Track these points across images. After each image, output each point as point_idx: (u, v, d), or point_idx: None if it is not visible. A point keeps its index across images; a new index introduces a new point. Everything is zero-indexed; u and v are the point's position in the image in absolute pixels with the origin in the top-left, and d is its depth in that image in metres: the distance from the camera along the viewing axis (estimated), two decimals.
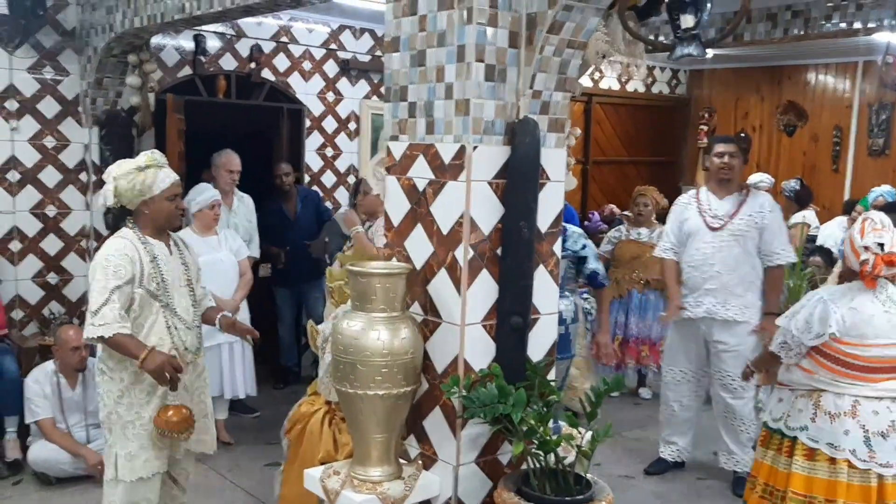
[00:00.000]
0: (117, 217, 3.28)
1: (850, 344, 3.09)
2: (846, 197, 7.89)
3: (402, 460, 2.79)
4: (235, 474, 4.74)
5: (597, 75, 8.36)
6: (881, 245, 3.05)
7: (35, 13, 5.18)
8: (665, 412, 4.88)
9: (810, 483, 3.16)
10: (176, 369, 3.06)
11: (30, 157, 5.46)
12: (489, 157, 2.60)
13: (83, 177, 5.67)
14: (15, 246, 5.45)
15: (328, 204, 6.72)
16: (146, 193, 3.16)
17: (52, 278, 5.61)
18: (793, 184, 7.22)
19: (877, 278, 3.07)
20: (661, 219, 6.25)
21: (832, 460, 3.12)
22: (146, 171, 3.16)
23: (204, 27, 5.89)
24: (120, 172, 3.16)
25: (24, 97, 5.40)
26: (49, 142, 5.53)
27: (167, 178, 3.21)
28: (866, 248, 3.07)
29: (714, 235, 4.51)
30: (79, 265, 5.65)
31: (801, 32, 5.07)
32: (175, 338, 3.21)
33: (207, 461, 4.93)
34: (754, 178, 7.02)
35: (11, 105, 5.35)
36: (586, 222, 8.09)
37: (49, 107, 5.49)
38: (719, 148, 4.66)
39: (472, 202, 2.57)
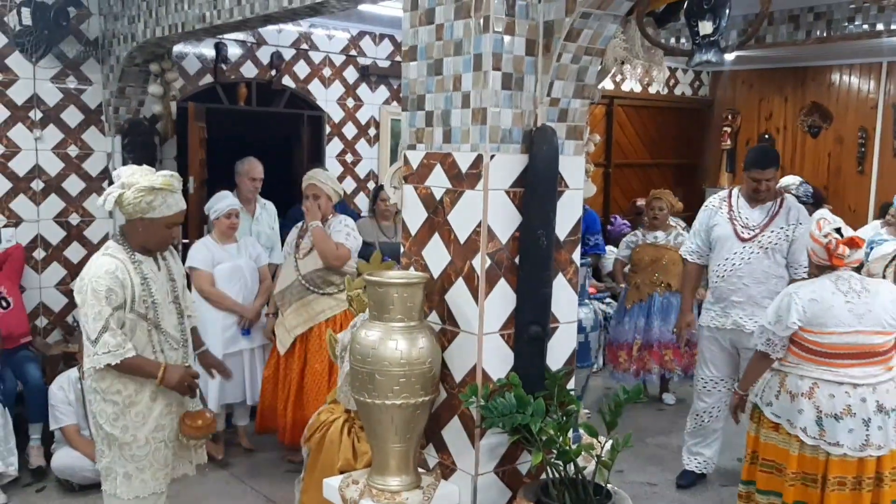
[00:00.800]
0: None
1: (811, 332, 3.33)
2: (872, 198, 7.79)
3: (420, 469, 2.78)
4: (257, 481, 4.76)
5: (618, 77, 8.30)
6: (839, 230, 3.37)
7: (58, 24, 5.24)
8: (694, 422, 4.76)
9: (776, 450, 3.44)
10: (193, 377, 3.10)
11: (53, 165, 5.52)
12: (506, 165, 2.59)
13: (106, 185, 5.71)
14: (39, 254, 5.52)
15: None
16: (147, 213, 3.02)
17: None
18: (805, 188, 7.10)
19: (842, 256, 3.33)
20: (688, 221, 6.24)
21: (789, 434, 3.39)
22: (157, 193, 3.02)
23: (225, 35, 5.93)
24: (131, 183, 3.02)
25: (48, 106, 5.47)
26: (72, 150, 5.59)
27: (175, 205, 3.08)
28: (826, 236, 3.36)
29: (743, 246, 4.41)
30: None
31: (824, 34, 5.01)
32: (161, 358, 3.12)
33: (228, 467, 4.96)
34: (786, 180, 6.90)
35: (35, 114, 5.42)
36: (609, 226, 8.06)
37: (72, 116, 5.56)
38: (755, 174, 4.40)
39: (490, 211, 2.56)
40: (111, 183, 5.63)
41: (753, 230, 4.43)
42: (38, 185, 5.46)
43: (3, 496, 4.38)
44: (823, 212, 3.57)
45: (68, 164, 5.58)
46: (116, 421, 3.09)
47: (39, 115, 5.44)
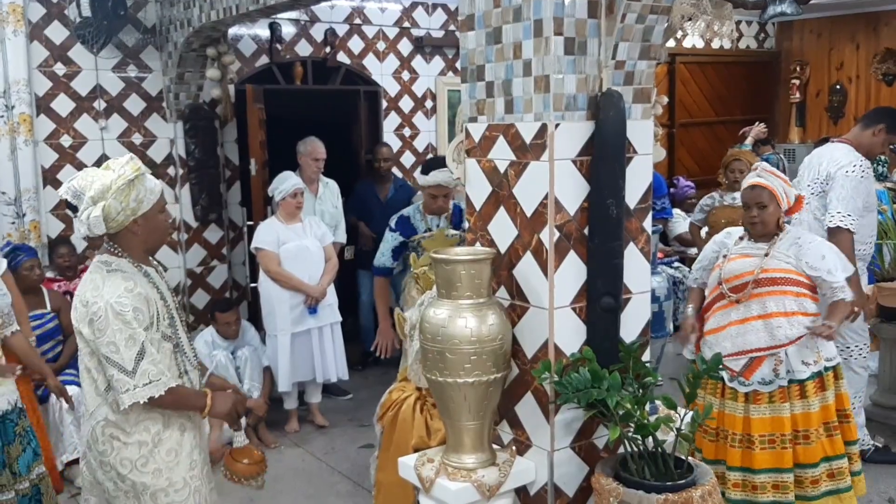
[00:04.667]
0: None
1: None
2: None
3: (495, 446, 2.75)
4: (331, 457, 4.81)
5: (680, 34, 8.06)
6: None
7: (116, 13, 5.30)
8: (862, 395, 4.49)
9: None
10: (244, 406, 2.75)
11: (119, 154, 5.44)
12: (572, 133, 2.50)
13: (171, 171, 5.81)
14: None
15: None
16: (140, 210, 2.55)
17: None
18: None
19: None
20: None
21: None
22: (136, 184, 2.52)
23: (278, 15, 5.92)
24: (106, 191, 2.49)
25: (111, 96, 5.56)
26: (136, 138, 5.69)
27: (155, 186, 2.62)
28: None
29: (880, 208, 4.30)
30: (171, 257, 5.81)
31: None
32: (186, 382, 2.67)
33: (304, 444, 5.03)
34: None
35: (99, 105, 5.52)
36: (672, 189, 7.85)
37: (134, 104, 5.64)
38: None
39: (556, 182, 2.49)
40: (175, 169, 5.80)
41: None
42: None
43: None
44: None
45: (133, 152, 5.61)
46: (146, 466, 2.60)
47: (103, 105, 5.54)
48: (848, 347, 4.43)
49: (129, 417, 2.58)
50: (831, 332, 3.41)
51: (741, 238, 3.64)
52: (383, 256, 4.48)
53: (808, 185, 4.43)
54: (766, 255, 3.49)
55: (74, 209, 2.54)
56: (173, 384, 2.54)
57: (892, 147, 6.70)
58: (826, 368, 3.49)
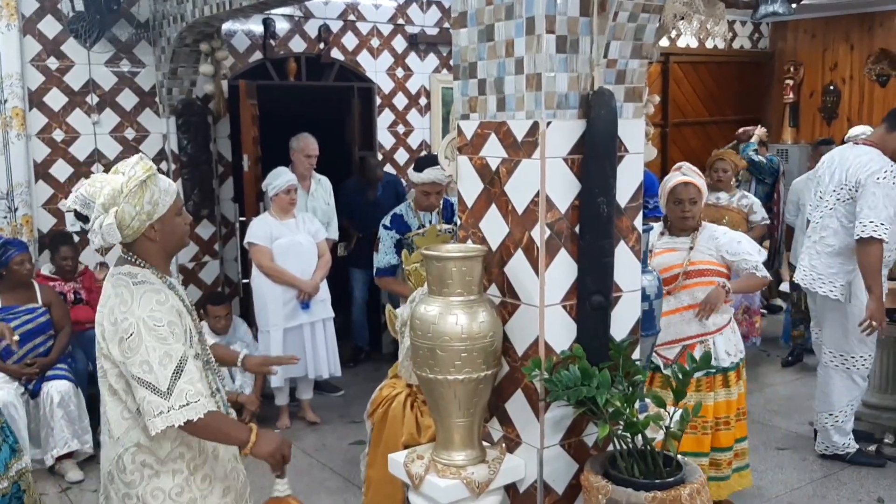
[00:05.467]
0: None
1: None
2: None
3: (485, 443, 2.76)
4: (322, 454, 4.82)
5: (674, 33, 8.07)
6: None
7: (109, 8, 5.29)
8: (854, 403, 4.54)
9: None
10: (289, 450, 2.45)
11: (112, 149, 5.61)
12: (564, 132, 2.50)
13: (163, 166, 5.80)
14: None
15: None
16: (154, 214, 2.34)
17: None
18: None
19: None
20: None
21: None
22: (149, 185, 2.31)
23: (272, 11, 5.91)
24: (117, 195, 2.29)
25: (104, 91, 5.55)
26: (129, 133, 5.67)
27: (170, 186, 2.40)
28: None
29: None
30: None
31: None
32: (221, 405, 2.46)
33: (295, 440, 5.03)
34: (857, 130, 6.60)
35: (92, 99, 5.50)
36: None
37: (127, 99, 5.63)
38: None
39: (548, 180, 2.49)
40: (168, 164, 5.79)
41: None
42: (97, 169, 5.57)
43: (80, 473, 4.52)
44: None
45: (126, 147, 5.66)
46: (181, 496, 2.39)
47: (96, 99, 5.52)
48: (853, 357, 4.38)
49: (163, 444, 2.35)
50: (724, 292, 3.72)
51: (661, 234, 3.89)
52: (387, 255, 4.39)
53: (835, 191, 4.31)
54: (691, 248, 3.78)
55: (85, 219, 2.32)
56: (213, 408, 2.29)
57: None
58: (741, 359, 3.86)
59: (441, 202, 4.48)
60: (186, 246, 2.69)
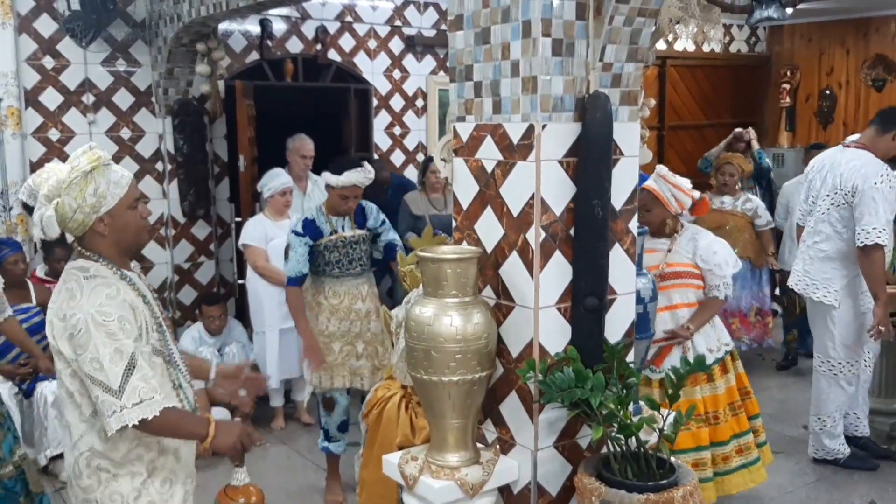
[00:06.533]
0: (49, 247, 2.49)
1: None
2: None
3: (479, 445, 2.76)
4: (316, 455, 4.80)
5: (671, 37, 8.09)
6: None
7: (106, 7, 5.29)
8: (842, 409, 4.50)
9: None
10: (252, 438, 2.39)
11: (107, 148, 5.53)
12: (559, 134, 2.51)
13: (159, 166, 5.80)
14: None
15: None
16: (102, 207, 2.22)
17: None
18: None
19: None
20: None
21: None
22: (94, 177, 2.21)
23: (269, 11, 5.92)
24: (54, 188, 2.20)
25: (100, 90, 5.54)
26: (125, 133, 5.67)
27: (122, 178, 2.28)
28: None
29: None
30: (158, 253, 5.81)
31: None
32: (185, 402, 2.38)
33: (289, 442, 5.03)
34: (855, 137, 6.60)
35: (88, 99, 5.50)
36: None
37: (123, 99, 5.63)
38: None
39: (543, 182, 2.50)
40: (164, 164, 5.78)
41: None
42: None
43: None
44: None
45: (122, 147, 5.66)
46: (139, 499, 2.29)
47: (92, 99, 5.52)
48: (840, 363, 4.39)
49: (118, 445, 2.25)
50: (689, 334, 3.67)
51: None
52: (299, 264, 4.10)
53: (828, 195, 4.27)
54: (669, 250, 3.76)
55: (29, 210, 2.24)
56: (168, 404, 2.20)
57: None
58: (725, 353, 3.81)
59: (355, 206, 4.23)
60: (146, 241, 2.51)
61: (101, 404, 2.14)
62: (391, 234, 4.41)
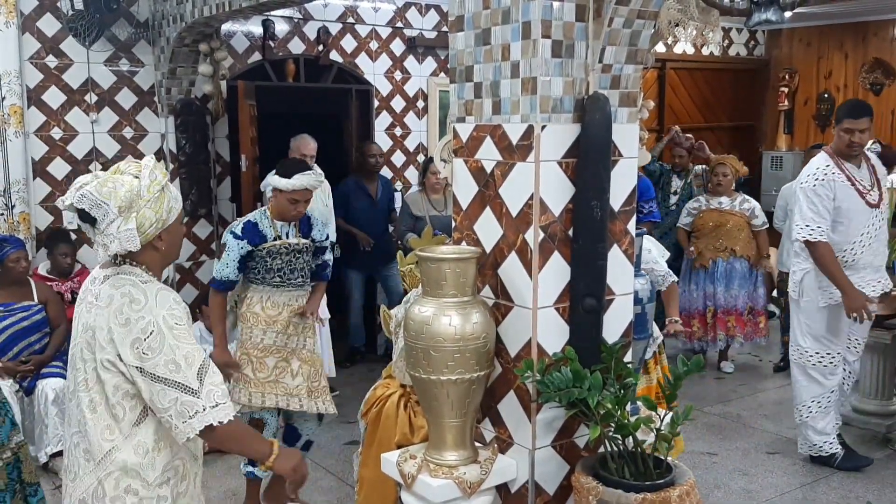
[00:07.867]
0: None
1: None
2: None
3: (477, 444, 2.78)
4: (316, 453, 4.82)
5: (670, 40, 8.11)
6: None
7: (109, 7, 5.31)
8: (825, 401, 4.47)
9: None
10: (307, 469, 2.31)
11: (110, 148, 5.63)
12: (558, 135, 2.53)
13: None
14: None
15: (398, 184, 6.75)
16: (168, 221, 2.17)
17: None
18: (874, 147, 6.86)
19: None
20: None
21: None
22: (168, 189, 2.18)
23: (272, 12, 5.94)
24: (137, 199, 2.10)
25: (103, 90, 5.56)
26: (128, 132, 5.69)
27: (178, 192, 2.25)
28: None
29: (872, 213, 4.23)
30: None
31: None
32: None
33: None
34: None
35: (91, 98, 5.52)
36: None
37: (126, 98, 5.65)
38: (848, 124, 4.19)
39: (542, 183, 2.52)
40: (166, 164, 5.79)
41: (873, 192, 4.24)
42: (95, 167, 5.57)
43: None
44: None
45: (124, 146, 5.67)
46: None
47: (94, 98, 5.54)
48: (807, 352, 4.45)
49: (155, 463, 2.13)
50: (679, 325, 4.08)
51: None
52: (227, 268, 3.82)
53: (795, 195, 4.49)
54: None
55: (91, 220, 2.09)
56: (235, 411, 2.13)
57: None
58: (657, 346, 3.91)
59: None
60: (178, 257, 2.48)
61: (182, 406, 2.04)
62: (328, 256, 4.18)
